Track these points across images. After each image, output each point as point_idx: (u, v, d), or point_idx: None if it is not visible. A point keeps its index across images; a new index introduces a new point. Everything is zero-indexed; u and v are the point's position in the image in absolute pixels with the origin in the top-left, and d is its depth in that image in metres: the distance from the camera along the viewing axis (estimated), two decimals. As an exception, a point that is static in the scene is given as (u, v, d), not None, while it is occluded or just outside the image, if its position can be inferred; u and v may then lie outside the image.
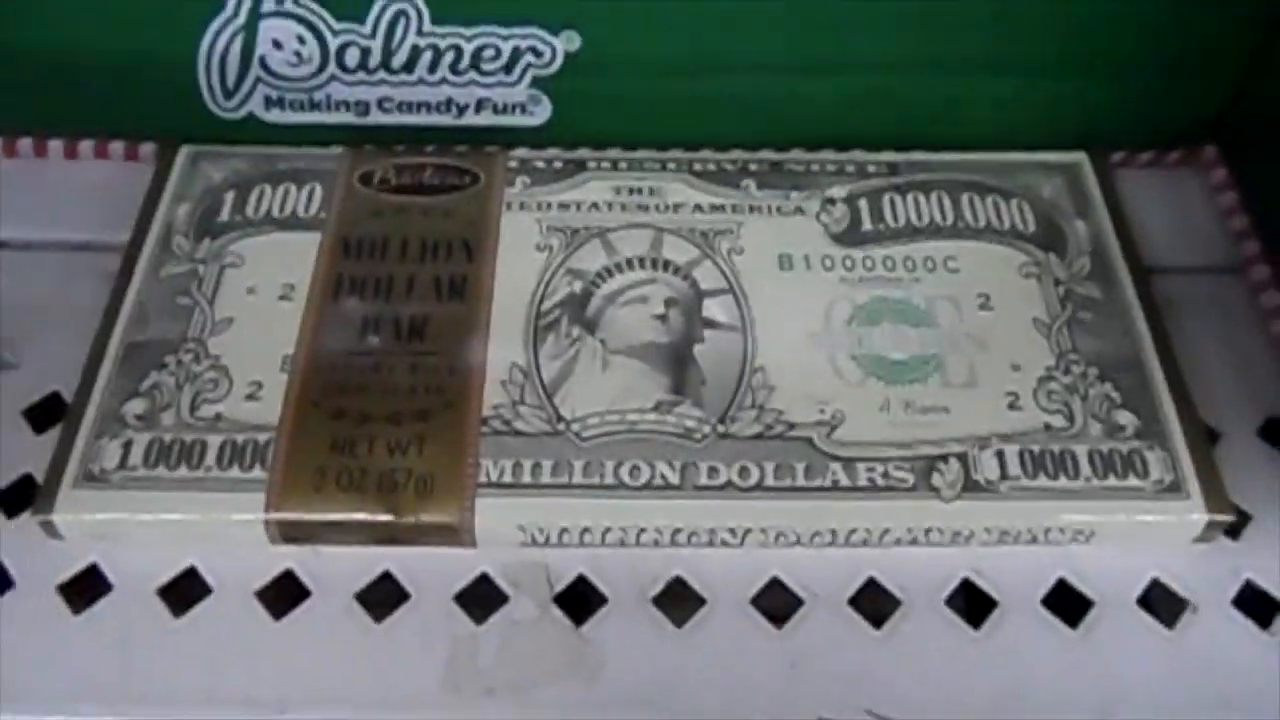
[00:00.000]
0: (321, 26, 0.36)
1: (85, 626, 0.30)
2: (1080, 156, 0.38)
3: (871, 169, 0.38)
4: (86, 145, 0.39)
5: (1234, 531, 0.32)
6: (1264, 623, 0.30)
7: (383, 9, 0.35)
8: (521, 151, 0.38)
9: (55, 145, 0.39)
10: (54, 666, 0.29)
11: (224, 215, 0.36)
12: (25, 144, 0.39)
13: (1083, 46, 0.38)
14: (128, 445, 0.31)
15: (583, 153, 0.38)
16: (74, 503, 0.30)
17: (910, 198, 0.37)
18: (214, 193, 0.36)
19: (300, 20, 0.35)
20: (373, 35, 0.36)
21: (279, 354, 0.33)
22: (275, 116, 0.38)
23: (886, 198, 0.37)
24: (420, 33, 0.36)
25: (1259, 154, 0.39)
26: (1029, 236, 0.36)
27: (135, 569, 0.31)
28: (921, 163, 0.38)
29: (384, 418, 0.31)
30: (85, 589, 0.31)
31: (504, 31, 0.36)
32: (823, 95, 0.38)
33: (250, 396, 0.32)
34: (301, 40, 0.36)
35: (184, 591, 0.31)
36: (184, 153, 0.37)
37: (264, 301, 0.34)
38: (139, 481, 0.30)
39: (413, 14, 0.35)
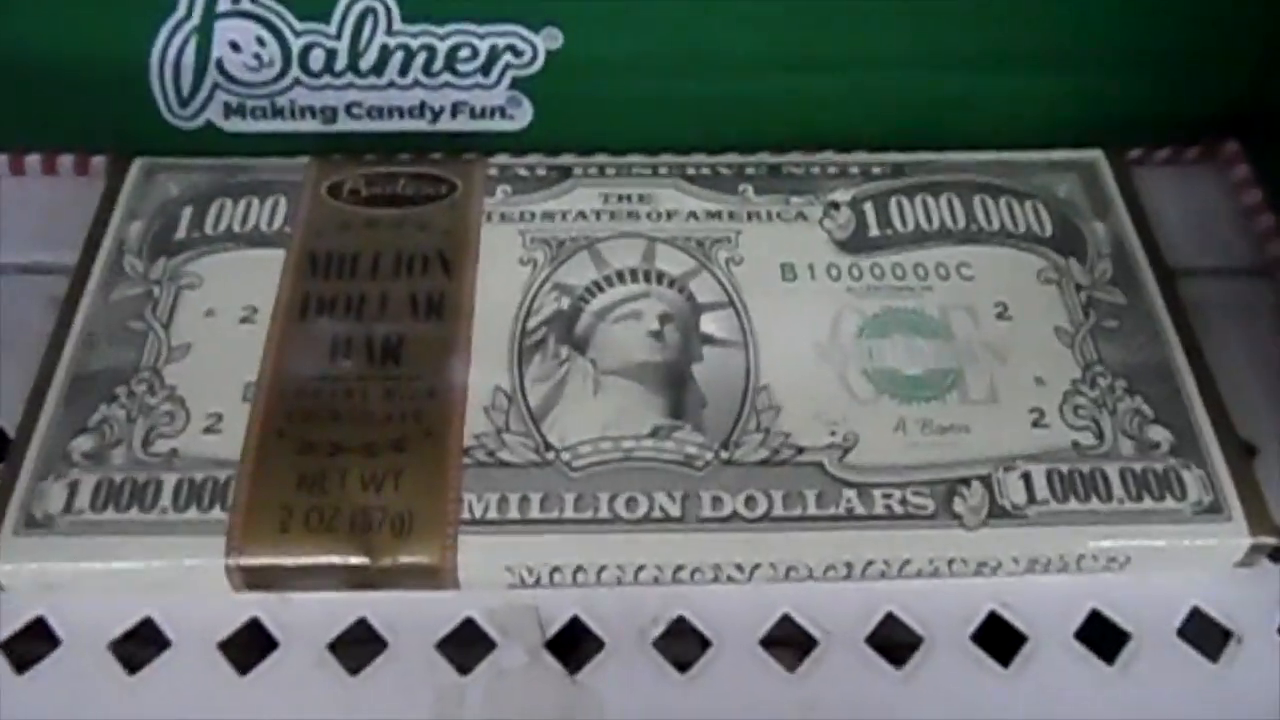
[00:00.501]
0: (283, 26, 0.33)
1: (31, 686, 0.27)
2: (1096, 154, 0.36)
3: (876, 171, 0.35)
4: (33, 160, 0.37)
5: (1276, 555, 0.29)
6: (1314, 652, 0.28)
7: (349, 6, 0.33)
8: (501, 158, 0.35)
9: (-1, 160, 0.37)
10: (-5, 733, 0.26)
11: (180, 232, 0.33)
12: (-34, 159, 0.37)
13: (1095, 39, 0.36)
14: (74, 486, 0.28)
15: (567, 158, 0.35)
16: (15, 551, 0.27)
17: (919, 201, 0.35)
18: (170, 208, 0.34)
19: (259, 20, 0.33)
20: (339, 35, 0.33)
21: (241, 382, 0.30)
22: (235, 125, 0.35)
23: (893, 201, 0.35)
24: (390, 32, 0.33)
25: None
26: (1046, 240, 0.34)
27: (85, 622, 0.28)
28: (929, 163, 0.36)
29: (356, 449, 0.29)
30: (31, 645, 0.28)
31: (480, 29, 0.34)
32: (822, 93, 0.36)
33: (209, 430, 0.29)
34: (261, 41, 0.33)
35: (140, 645, 0.28)
36: (137, 166, 0.35)
37: (224, 325, 0.31)
38: (87, 526, 0.28)
39: (381, 11, 0.33)
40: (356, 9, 0.33)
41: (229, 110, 0.35)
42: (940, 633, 0.28)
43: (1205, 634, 0.29)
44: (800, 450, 0.29)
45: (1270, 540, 0.29)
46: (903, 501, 0.28)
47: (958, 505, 0.28)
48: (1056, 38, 0.36)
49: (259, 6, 0.33)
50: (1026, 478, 0.29)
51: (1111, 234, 0.34)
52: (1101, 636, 0.29)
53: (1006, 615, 0.29)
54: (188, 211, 0.34)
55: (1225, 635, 0.29)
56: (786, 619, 0.29)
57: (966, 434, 0.30)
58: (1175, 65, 0.36)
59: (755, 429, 0.29)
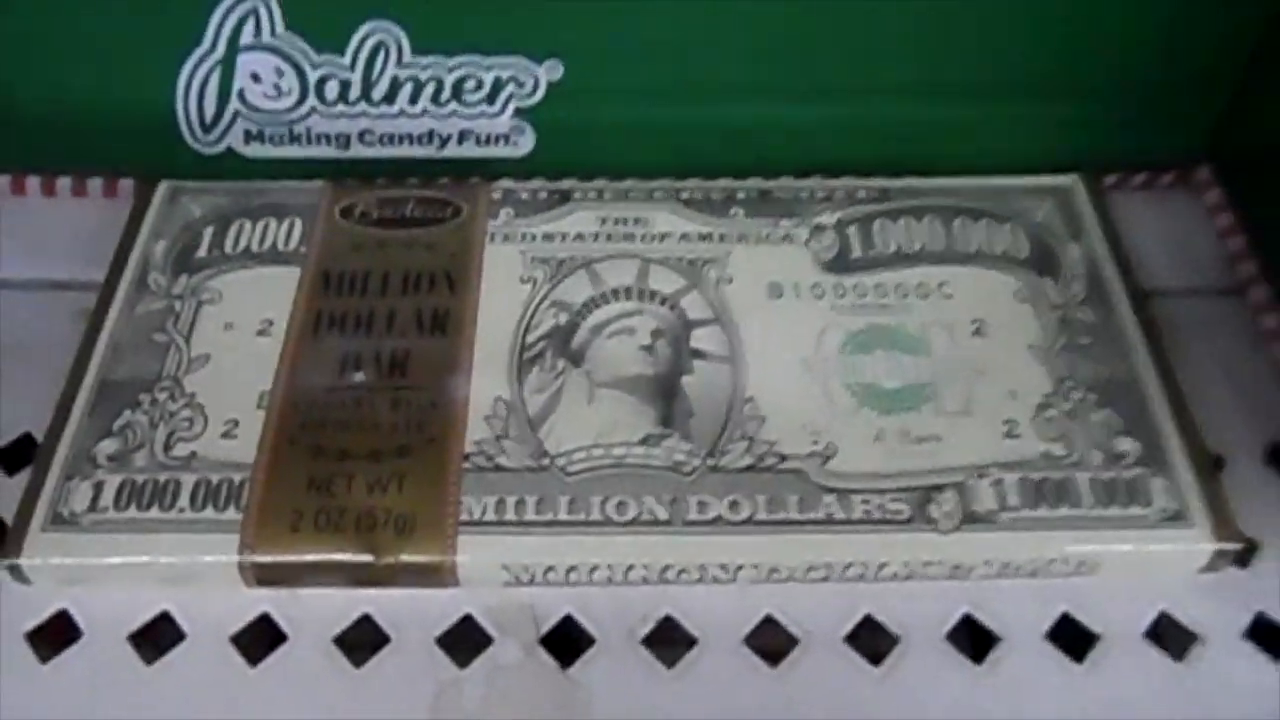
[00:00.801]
0: (300, 59, 0.35)
1: (53, 676, 0.29)
2: (1073, 179, 0.38)
3: (861, 195, 0.37)
4: (64, 182, 0.39)
5: (1242, 561, 0.31)
6: (1276, 655, 0.29)
7: (362, 40, 0.35)
8: (505, 182, 0.37)
9: (32, 182, 0.39)
10: (20, 718, 0.28)
11: (202, 251, 0.35)
12: (1, 181, 0.39)
13: (1072, 69, 0.37)
14: (99, 486, 0.30)
15: (568, 183, 0.37)
16: (42, 546, 0.29)
17: (901, 223, 0.36)
18: (192, 228, 0.36)
19: (279, 53, 0.35)
20: (352, 67, 0.35)
21: (256, 391, 0.32)
22: (255, 150, 0.37)
23: (876, 223, 0.36)
24: (400, 64, 0.35)
25: (1254, 174, 0.38)
26: (1022, 261, 0.36)
27: (106, 615, 0.30)
28: (912, 188, 0.37)
29: (364, 455, 0.30)
30: (54, 636, 0.30)
31: (485, 61, 0.36)
32: (810, 121, 0.38)
33: (226, 435, 0.31)
34: (280, 73, 0.35)
35: (157, 637, 0.30)
36: (162, 188, 0.37)
37: (241, 338, 0.33)
38: (109, 524, 0.29)
39: (393, 45, 0.35)
40: (369, 43, 0.35)
41: (249, 137, 0.37)
42: (916, 633, 0.30)
43: (1171, 636, 0.30)
44: (783, 458, 0.31)
45: (1233, 546, 0.30)
46: (880, 507, 0.30)
47: (932, 511, 0.30)
48: (1036, 70, 0.37)
49: (278, 40, 0.35)
50: (998, 485, 0.30)
51: (1085, 255, 0.36)
52: (1071, 638, 0.30)
53: (980, 617, 0.30)
54: (209, 231, 0.36)
55: (1191, 638, 0.30)
56: (769, 618, 0.30)
57: (942, 443, 0.31)
58: (1150, 95, 0.38)
59: (740, 438, 0.31)
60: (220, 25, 0.34)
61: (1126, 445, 0.31)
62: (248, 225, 0.36)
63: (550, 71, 0.36)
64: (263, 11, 0.34)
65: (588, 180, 0.37)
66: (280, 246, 0.35)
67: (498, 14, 0.35)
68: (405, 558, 0.29)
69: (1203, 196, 0.40)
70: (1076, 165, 0.38)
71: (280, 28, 0.34)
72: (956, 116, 0.38)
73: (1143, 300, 0.35)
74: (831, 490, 0.30)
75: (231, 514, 0.29)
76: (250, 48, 0.35)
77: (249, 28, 0.34)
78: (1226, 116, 0.39)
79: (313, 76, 0.36)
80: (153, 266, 0.35)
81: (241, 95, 0.36)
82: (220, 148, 0.37)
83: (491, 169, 0.38)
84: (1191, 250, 0.38)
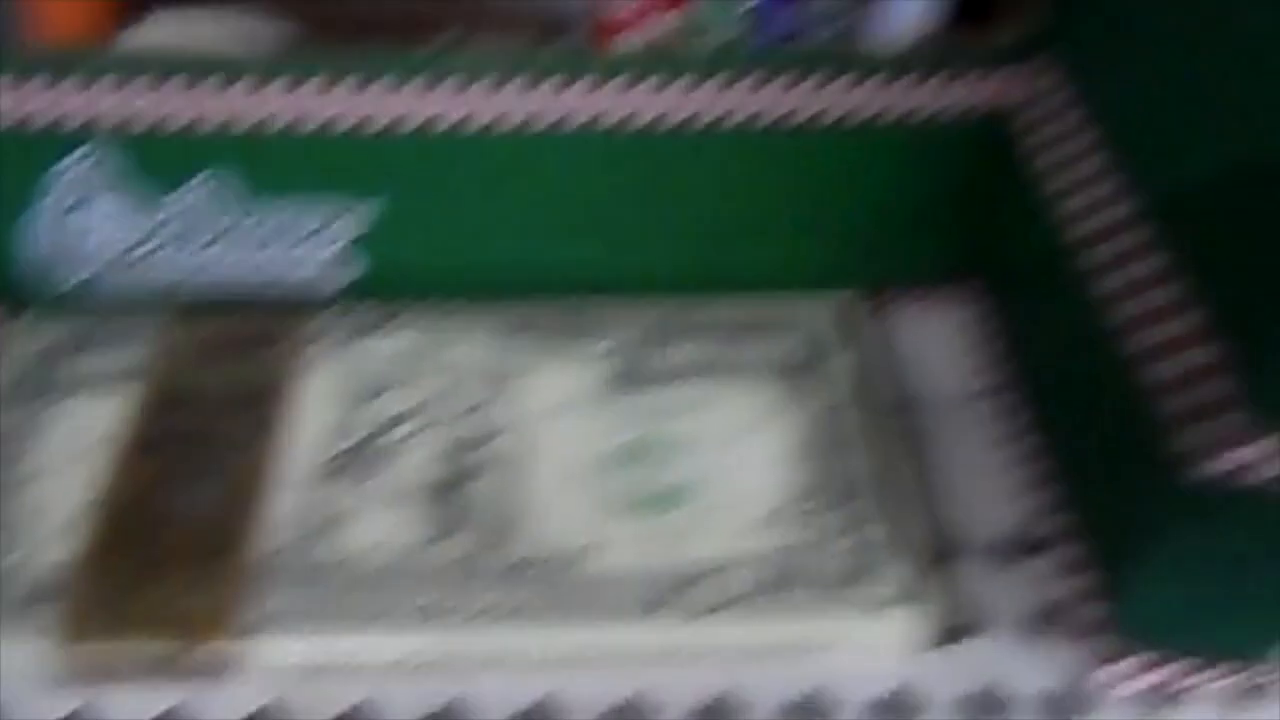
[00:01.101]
0: (142, 204, 0.40)
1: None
2: (848, 295, 0.42)
3: (654, 316, 0.41)
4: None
5: (964, 640, 0.34)
6: (993, 724, 0.33)
7: (201, 184, 0.39)
8: (331, 311, 0.41)
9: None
10: None
11: (52, 377, 0.39)
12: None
13: (848, 199, 0.42)
14: (-68, 595, 0.33)
15: (388, 309, 0.41)
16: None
17: (685, 342, 0.40)
18: (46, 355, 0.40)
19: (125, 195, 0.39)
20: (192, 209, 0.40)
21: (85, 503, 0.35)
22: (103, 285, 0.41)
23: (663, 342, 0.40)
24: (236, 206, 0.40)
25: (1010, 286, 0.43)
26: (793, 370, 0.40)
27: (-65, 713, 0.33)
28: (699, 309, 0.42)
29: (174, 559, 0.34)
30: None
31: (314, 202, 0.40)
32: (615, 255, 0.42)
33: (54, 542, 0.34)
34: (126, 215, 0.40)
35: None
36: (16, 324, 0.41)
37: (80, 453, 0.37)
38: (-61, 629, 0.32)
39: (227, 189, 0.39)
40: (208, 187, 0.39)
41: (98, 273, 0.41)
42: (672, 712, 0.33)
43: (900, 709, 0.33)
44: (551, 557, 0.34)
45: (954, 625, 0.34)
46: (638, 598, 0.33)
47: (685, 600, 0.33)
48: (819, 208, 0.42)
49: (122, 186, 0.39)
50: (746, 575, 0.34)
51: (851, 365, 0.40)
52: (811, 712, 0.33)
53: (729, 695, 0.33)
54: (60, 357, 0.39)
55: (916, 710, 0.33)
56: (542, 703, 0.33)
57: (697, 539, 0.35)
58: (922, 219, 0.43)
59: (516, 540, 0.35)
60: (67, 174, 0.39)
61: (868, 534, 0.35)
62: (95, 352, 0.40)
63: (372, 210, 0.40)
64: (107, 163, 0.39)
65: (408, 305, 0.42)
66: (121, 372, 0.39)
67: (321, 161, 0.39)
68: (205, 655, 0.32)
69: (972, 306, 0.44)
70: (859, 283, 0.43)
71: (123, 177, 0.39)
72: (748, 247, 0.43)
73: (899, 403, 0.39)
74: (595, 584, 0.34)
75: (48, 614, 0.33)
76: (96, 194, 0.39)
77: (95, 177, 0.39)
78: (992, 233, 0.44)
79: (156, 219, 0.40)
80: (4, 392, 0.39)
81: (91, 236, 0.40)
82: (73, 284, 0.41)
83: (321, 298, 0.42)
84: (958, 357, 0.43)
